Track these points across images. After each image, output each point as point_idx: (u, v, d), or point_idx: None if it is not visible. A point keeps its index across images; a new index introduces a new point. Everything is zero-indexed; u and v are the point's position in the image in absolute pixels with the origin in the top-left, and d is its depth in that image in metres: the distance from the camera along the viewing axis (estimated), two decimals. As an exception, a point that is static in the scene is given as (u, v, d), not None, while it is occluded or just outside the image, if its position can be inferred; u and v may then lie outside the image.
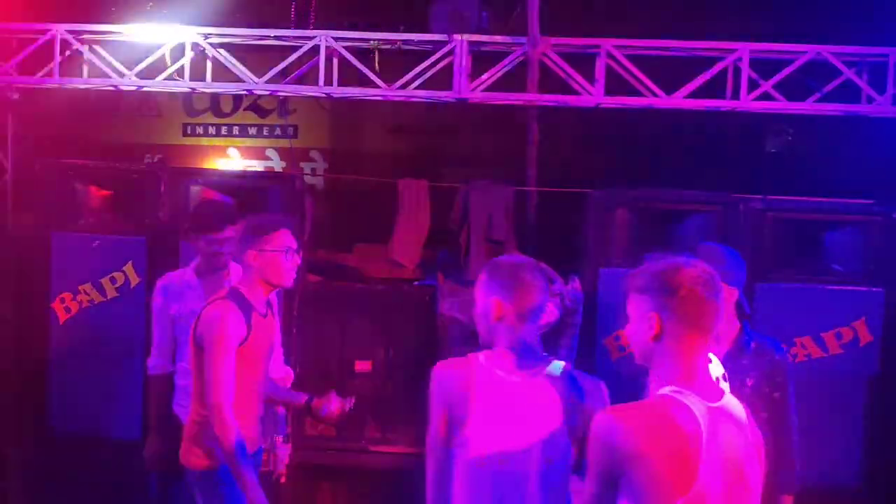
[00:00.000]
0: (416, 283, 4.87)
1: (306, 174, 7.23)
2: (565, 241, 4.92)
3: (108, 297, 4.66)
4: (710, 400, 1.93)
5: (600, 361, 4.53)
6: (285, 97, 5.01)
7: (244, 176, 4.76)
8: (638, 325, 2.02)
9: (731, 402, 2.00)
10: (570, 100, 4.60)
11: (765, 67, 4.57)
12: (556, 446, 2.39)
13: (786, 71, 4.47)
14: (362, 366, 4.82)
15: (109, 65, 4.69)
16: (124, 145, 6.57)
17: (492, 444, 2.37)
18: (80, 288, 4.67)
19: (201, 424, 3.19)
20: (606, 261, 4.53)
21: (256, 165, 7.87)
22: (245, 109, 7.90)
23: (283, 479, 4.14)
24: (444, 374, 2.46)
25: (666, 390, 1.93)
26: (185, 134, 7.89)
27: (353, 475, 4.68)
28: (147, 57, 4.66)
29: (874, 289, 4.40)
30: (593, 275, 4.56)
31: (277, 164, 7.76)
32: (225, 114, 7.93)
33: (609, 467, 1.87)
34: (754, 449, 1.99)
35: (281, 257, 3.21)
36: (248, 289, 3.26)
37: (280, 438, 4.06)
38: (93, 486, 4.65)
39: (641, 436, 1.83)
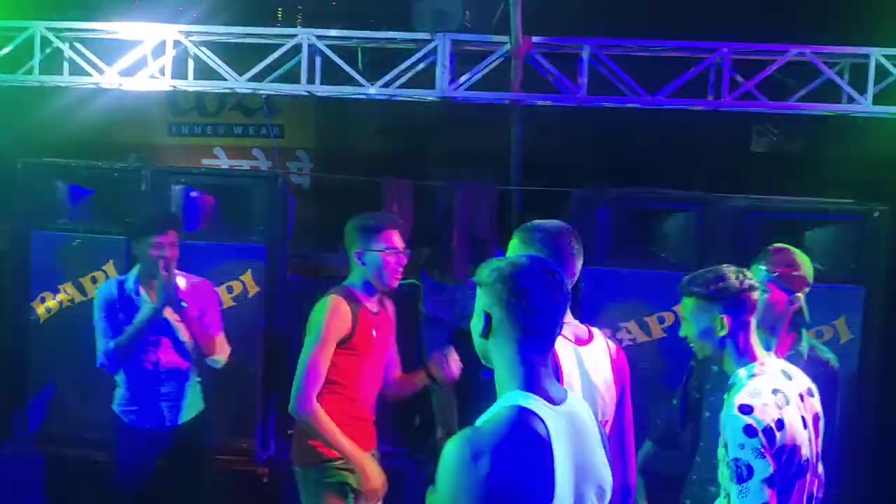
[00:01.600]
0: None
1: (292, 173, 7.22)
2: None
3: (89, 297, 4.62)
4: (554, 403, 1.87)
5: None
6: (270, 96, 4.96)
7: (226, 175, 4.74)
8: (476, 322, 1.94)
9: (575, 402, 1.94)
10: (553, 99, 4.60)
11: (747, 67, 4.59)
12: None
13: (767, 70, 4.48)
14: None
15: (90, 63, 4.65)
16: (108, 145, 6.53)
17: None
18: (60, 287, 4.65)
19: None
20: (588, 259, 4.49)
21: (242, 165, 7.86)
22: (230, 109, 7.90)
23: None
24: None
25: (511, 399, 1.85)
26: (170, 133, 7.88)
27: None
28: (128, 55, 4.63)
29: (855, 287, 4.41)
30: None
31: (263, 164, 7.76)
32: (210, 113, 7.92)
33: (479, 492, 1.72)
34: (601, 447, 1.96)
35: (387, 258, 3.28)
36: (357, 287, 3.32)
37: None
38: (71, 486, 4.62)
39: (499, 459, 1.72)
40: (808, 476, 2.62)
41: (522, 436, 1.77)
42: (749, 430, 2.46)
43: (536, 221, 2.57)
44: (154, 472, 4.00)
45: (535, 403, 1.83)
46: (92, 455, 4.59)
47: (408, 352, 4.73)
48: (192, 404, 4.01)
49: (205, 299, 4.02)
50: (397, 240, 3.33)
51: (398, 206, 4.83)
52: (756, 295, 2.65)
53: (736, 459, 2.48)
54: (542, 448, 1.77)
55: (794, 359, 3.09)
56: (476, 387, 4.86)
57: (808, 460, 2.61)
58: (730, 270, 2.66)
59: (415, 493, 4.71)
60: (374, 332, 3.33)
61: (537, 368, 1.88)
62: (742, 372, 2.61)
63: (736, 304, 2.61)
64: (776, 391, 2.54)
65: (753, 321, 2.65)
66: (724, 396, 2.66)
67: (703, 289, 2.64)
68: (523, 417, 1.80)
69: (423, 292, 4.77)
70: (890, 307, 4.40)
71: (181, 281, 3.93)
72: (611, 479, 1.96)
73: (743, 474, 2.47)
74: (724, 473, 2.62)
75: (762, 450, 2.45)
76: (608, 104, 4.60)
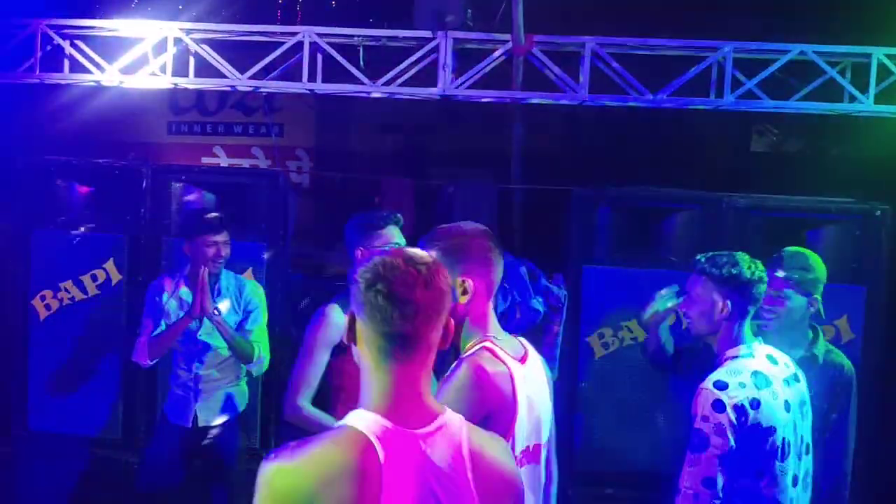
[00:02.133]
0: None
1: (292, 171, 7.21)
2: (549, 239, 4.92)
3: (90, 295, 4.62)
4: (410, 425, 1.61)
5: (583, 360, 4.53)
6: (270, 95, 4.95)
7: (227, 172, 4.73)
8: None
9: (446, 427, 1.66)
10: (554, 98, 4.59)
11: (749, 66, 4.58)
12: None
13: (769, 69, 4.47)
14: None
15: (91, 60, 4.64)
16: (108, 143, 6.52)
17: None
18: (60, 285, 4.64)
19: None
20: (589, 258, 4.53)
21: (242, 163, 7.85)
22: (230, 107, 7.88)
23: None
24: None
25: (348, 417, 1.63)
26: (170, 132, 7.86)
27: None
28: (130, 53, 4.61)
29: (856, 286, 4.41)
30: (577, 272, 4.56)
31: (263, 163, 7.74)
32: (210, 112, 7.91)
33: None
34: (468, 485, 1.65)
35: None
36: None
37: None
38: (71, 485, 4.61)
39: (310, 482, 1.52)
40: (790, 458, 2.68)
41: (343, 462, 1.54)
42: (717, 405, 2.57)
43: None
44: (183, 470, 3.99)
45: (373, 426, 1.59)
46: (92, 453, 4.61)
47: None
48: (229, 407, 4.01)
49: (250, 302, 4.02)
50: (398, 237, 3.30)
51: (398, 206, 4.81)
52: (762, 287, 2.75)
53: (697, 430, 2.59)
54: (367, 479, 1.53)
55: (809, 361, 3.09)
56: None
57: (790, 443, 2.68)
58: (744, 259, 2.76)
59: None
60: None
61: (399, 383, 1.63)
62: (728, 353, 2.72)
63: (742, 292, 2.70)
64: (756, 373, 2.66)
65: (752, 311, 2.75)
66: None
67: (717, 270, 2.72)
68: (346, 440, 1.57)
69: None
70: (891, 306, 4.40)
71: (230, 282, 3.97)
72: None
73: (698, 444, 2.57)
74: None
75: (724, 426, 2.55)
76: (610, 103, 4.58)
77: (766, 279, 2.76)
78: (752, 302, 2.73)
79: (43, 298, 4.65)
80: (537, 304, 4.63)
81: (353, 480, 1.53)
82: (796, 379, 2.79)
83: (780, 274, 3.11)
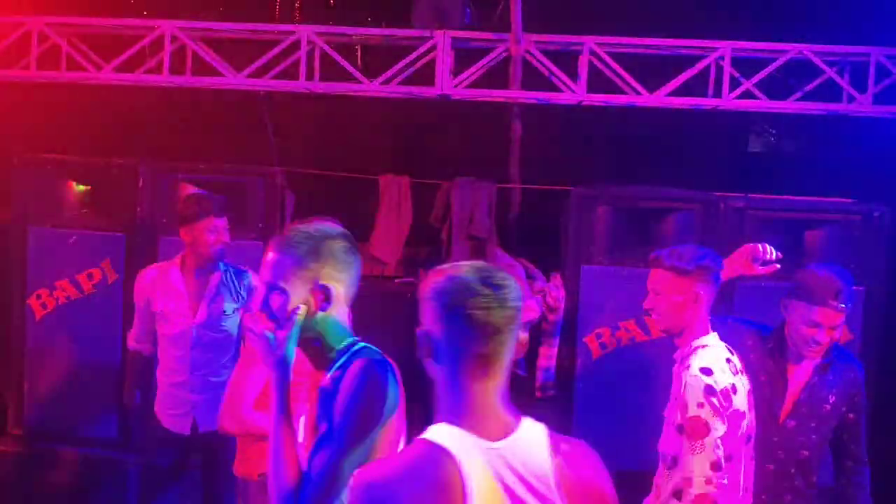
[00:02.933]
0: (397, 280, 4.84)
1: (288, 169, 7.16)
2: (547, 239, 4.91)
3: (86, 294, 4.61)
4: (490, 438, 1.65)
5: (581, 360, 4.53)
6: (268, 93, 4.93)
7: (224, 171, 4.70)
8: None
9: (524, 438, 1.69)
10: (552, 97, 4.58)
11: (747, 66, 4.57)
12: None
13: (768, 69, 4.47)
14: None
15: (88, 58, 4.62)
16: (106, 140, 6.49)
17: None
18: (56, 284, 4.62)
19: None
20: (588, 258, 4.52)
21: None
22: (226, 104, 7.82)
23: None
24: None
25: (430, 432, 1.67)
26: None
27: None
28: (126, 51, 4.59)
29: (855, 287, 4.40)
30: (575, 272, 4.55)
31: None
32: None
33: None
34: (552, 493, 1.67)
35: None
36: None
37: None
38: (68, 484, 4.60)
39: (402, 497, 1.57)
40: (748, 446, 2.78)
41: (428, 476, 1.59)
42: (709, 390, 2.62)
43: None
44: (178, 474, 3.96)
45: (456, 440, 1.63)
46: (88, 452, 4.59)
47: (408, 349, 4.74)
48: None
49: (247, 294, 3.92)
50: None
51: (396, 204, 4.80)
52: (722, 274, 2.84)
53: (695, 417, 2.62)
54: (450, 492, 1.58)
55: (824, 367, 3.07)
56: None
57: (749, 431, 2.77)
58: (703, 250, 2.84)
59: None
60: None
61: (476, 397, 1.67)
62: (698, 342, 2.77)
63: (708, 281, 2.78)
64: (729, 360, 2.76)
65: (713, 298, 2.82)
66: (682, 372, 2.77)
67: (683, 264, 2.78)
68: (430, 455, 1.61)
69: (421, 290, 4.75)
70: (890, 307, 4.40)
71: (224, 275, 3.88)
72: None
73: (698, 431, 2.61)
74: (664, 439, 2.81)
75: (720, 409, 2.62)
76: (608, 102, 4.57)
77: (724, 266, 2.86)
78: (715, 289, 2.81)
79: (39, 297, 4.63)
80: (535, 304, 4.63)
81: (440, 495, 1.58)
82: (744, 371, 2.85)
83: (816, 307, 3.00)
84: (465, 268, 1.69)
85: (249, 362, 3.06)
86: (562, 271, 4.74)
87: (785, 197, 4.56)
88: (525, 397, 4.71)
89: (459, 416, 1.66)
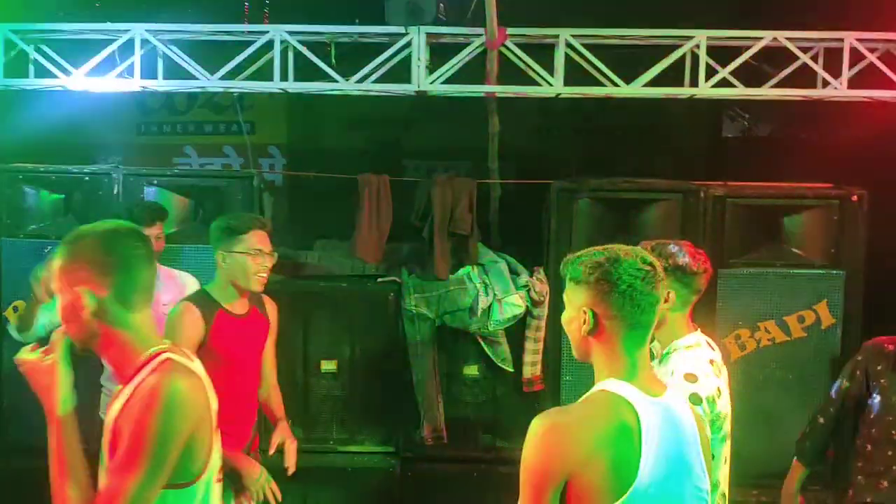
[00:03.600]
0: (379, 279, 4.81)
1: (265, 172, 7.10)
2: (529, 233, 4.90)
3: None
4: (651, 394, 1.90)
5: (567, 352, 4.52)
6: (241, 93, 4.87)
7: (200, 175, 4.66)
8: (575, 319, 1.96)
9: (673, 398, 1.96)
10: (529, 91, 4.55)
11: (722, 54, 4.57)
12: None
13: (743, 57, 4.47)
14: (327, 365, 4.75)
15: (57, 64, 4.54)
16: (76, 146, 6.39)
17: None
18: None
19: None
20: (570, 251, 4.50)
21: (214, 163, 7.73)
22: (200, 106, 7.74)
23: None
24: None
25: (605, 384, 1.90)
26: (139, 132, 7.72)
27: (322, 476, 4.61)
28: (95, 56, 4.51)
29: (835, 271, 4.45)
30: (557, 265, 4.53)
31: (235, 161, 7.63)
32: (179, 111, 7.77)
33: (556, 475, 1.76)
34: (697, 447, 1.95)
35: (249, 259, 3.18)
36: (218, 290, 3.23)
37: None
38: (48, 498, 4.52)
39: (589, 437, 1.78)
40: (725, 446, 2.74)
41: (608, 418, 1.82)
42: (693, 399, 2.55)
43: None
44: None
45: (629, 391, 1.86)
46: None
47: (392, 349, 4.72)
48: None
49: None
50: (262, 241, 3.25)
51: (376, 203, 4.76)
52: (705, 278, 2.73)
53: None
54: (629, 433, 1.80)
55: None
56: (460, 382, 4.84)
57: (727, 430, 2.74)
58: (684, 249, 2.73)
59: (403, 492, 4.69)
60: (236, 337, 3.23)
61: (638, 360, 1.92)
62: (680, 341, 2.71)
63: (685, 282, 2.69)
64: (712, 362, 2.70)
65: (693, 300, 2.74)
66: (654, 364, 2.71)
67: (661, 262, 2.67)
68: (612, 402, 1.85)
69: (404, 289, 4.72)
70: (869, 290, 4.44)
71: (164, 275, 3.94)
72: (708, 483, 1.96)
73: None
74: None
75: (704, 417, 2.51)
76: (585, 93, 4.56)
77: (709, 268, 2.76)
78: (694, 292, 2.72)
79: (16, 309, 4.54)
80: (519, 299, 4.63)
81: (624, 437, 1.80)
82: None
83: None
84: (621, 250, 1.94)
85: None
86: (545, 265, 4.76)
87: (764, 183, 4.59)
88: (513, 394, 4.73)
89: (628, 375, 1.90)
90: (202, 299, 3.21)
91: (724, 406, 2.68)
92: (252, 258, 3.18)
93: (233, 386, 3.19)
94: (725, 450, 2.74)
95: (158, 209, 4.06)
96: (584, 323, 1.91)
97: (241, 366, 3.28)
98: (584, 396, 1.93)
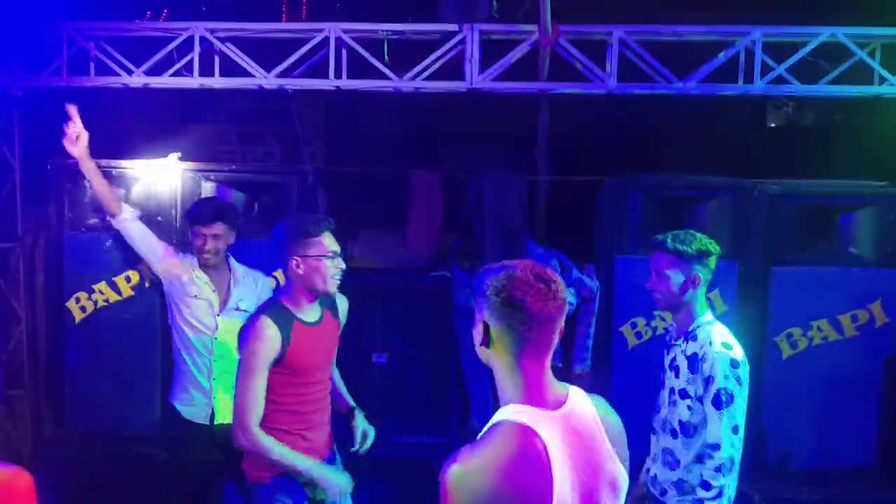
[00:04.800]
0: (430, 273, 4.87)
1: (318, 167, 7.15)
2: (578, 229, 4.91)
3: (124, 296, 4.65)
4: (551, 408, 1.88)
5: (616, 349, 4.55)
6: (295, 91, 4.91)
7: (257, 171, 4.74)
8: (475, 331, 1.96)
9: (575, 403, 1.92)
10: (582, 87, 4.55)
11: (778, 49, 4.53)
12: None
13: (799, 54, 4.43)
14: (379, 357, 4.83)
15: (117, 62, 4.62)
16: (136, 141, 6.49)
17: None
18: (94, 287, 4.66)
19: None
20: (621, 248, 4.54)
21: (256, 150, 7.81)
22: (243, 95, 7.79)
23: None
24: None
25: (504, 411, 1.87)
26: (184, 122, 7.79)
27: (373, 467, 4.69)
28: (154, 53, 4.59)
29: (890, 270, 4.42)
30: (608, 262, 4.57)
31: (276, 149, 7.69)
32: (222, 100, 7.84)
33: None
34: (605, 444, 1.92)
35: (322, 263, 3.13)
36: (291, 299, 3.19)
37: None
38: (112, 483, 4.66)
39: (496, 480, 1.74)
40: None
41: (515, 452, 1.79)
42: (733, 363, 2.98)
43: None
44: (208, 467, 4.03)
45: (529, 416, 1.84)
46: (129, 452, 4.65)
47: (442, 342, 4.78)
48: None
49: (260, 294, 4.08)
50: (334, 244, 3.18)
51: (427, 198, 4.81)
52: (715, 259, 3.15)
53: (723, 389, 2.95)
54: (537, 461, 1.78)
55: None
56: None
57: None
58: (701, 235, 3.16)
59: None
60: (311, 348, 3.20)
61: (534, 376, 1.89)
62: (703, 319, 3.13)
63: (706, 263, 3.12)
64: (734, 334, 3.12)
65: (709, 279, 3.16)
66: (679, 343, 3.17)
67: (686, 248, 3.10)
68: (514, 434, 1.81)
69: (454, 283, 4.77)
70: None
71: (238, 271, 4.07)
72: (626, 474, 1.95)
73: (726, 400, 2.95)
74: (689, 409, 3.06)
75: (742, 380, 2.98)
76: (638, 91, 4.54)
77: (719, 251, 3.16)
78: (711, 273, 3.14)
79: (78, 301, 4.68)
80: (570, 295, 4.65)
81: (528, 466, 1.77)
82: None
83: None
84: (519, 265, 1.90)
85: (247, 372, 3.06)
86: (595, 262, 4.77)
87: (819, 181, 4.55)
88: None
89: (524, 395, 1.88)
90: (279, 313, 3.13)
91: (747, 377, 3.02)
92: (330, 261, 3.13)
93: (309, 394, 3.24)
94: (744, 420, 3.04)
95: (219, 206, 4.08)
96: (479, 334, 1.92)
97: (316, 374, 3.26)
98: (487, 427, 1.88)
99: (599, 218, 4.62)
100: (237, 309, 3.99)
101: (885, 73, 4.46)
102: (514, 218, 4.70)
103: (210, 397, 3.99)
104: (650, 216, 4.52)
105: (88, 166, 4.15)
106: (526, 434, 1.81)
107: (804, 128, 6.81)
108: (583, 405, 1.94)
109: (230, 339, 3.90)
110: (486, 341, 1.91)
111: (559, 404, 1.90)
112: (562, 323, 1.90)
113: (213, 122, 7.80)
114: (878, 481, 4.44)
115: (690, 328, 3.13)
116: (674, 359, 3.20)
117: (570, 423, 1.88)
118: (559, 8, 4.41)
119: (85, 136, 4.10)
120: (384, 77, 4.61)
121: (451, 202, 4.84)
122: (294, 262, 3.12)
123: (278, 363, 3.09)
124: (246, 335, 3.10)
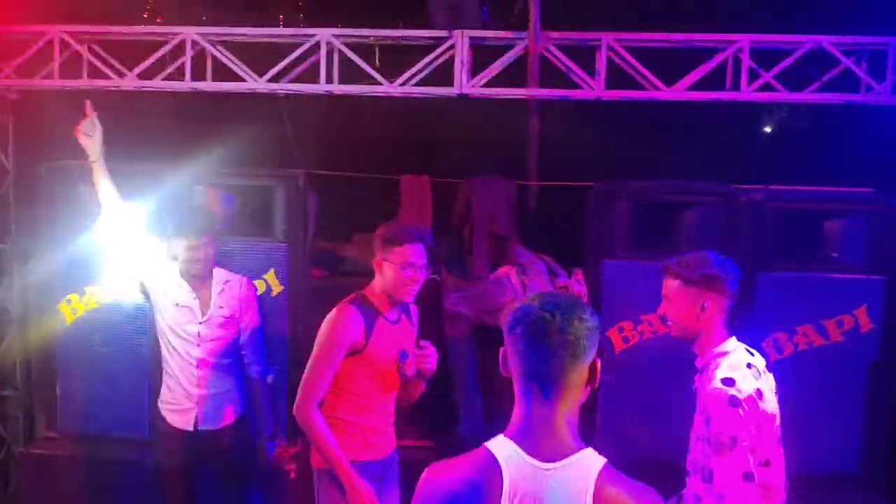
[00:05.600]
0: (419, 277, 4.89)
1: (309, 171, 7.19)
2: (567, 234, 4.94)
3: (115, 299, 4.67)
4: (539, 457, 1.73)
5: (605, 353, 4.58)
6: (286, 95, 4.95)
7: (247, 174, 4.75)
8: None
9: (574, 469, 1.72)
10: (571, 94, 4.59)
11: (765, 56, 4.58)
12: None
13: (786, 61, 4.48)
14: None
15: (110, 65, 4.66)
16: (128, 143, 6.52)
17: None
18: (85, 289, 4.69)
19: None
20: (609, 253, 4.57)
21: (252, 152, 7.83)
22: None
23: (291, 476, 4.18)
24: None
25: (495, 441, 1.79)
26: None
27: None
28: (147, 57, 4.63)
29: (874, 276, 4.45)
30: (596, 267, 4.60)
31: (271, 150, 7.69)
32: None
33: None
34: None
35: (400, 271, 3.27)
36: (376, 295, 3.36)
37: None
38: (103, 485, 4.68)
39: (445, 492, 1.74)
40: (778, 447, 2.79)
41: (462, 479, 1.74)
42: (733, 401, 2.63)
43: None
44: (190, 472, 4.05)
45: (507, 451, 1.74)
46: (120, 454, 4.67)
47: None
48: (230, 410, 4.05)
49: (244, 299, 4.08)
50: (417, 255, 3.29)
51: (417, 203, 4.85)
52: (736, 285, 2.83)
53: (721, 431, 2.63)
54: (477, 496, 1.72)
55: None
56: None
57: (779, 433, 2.79)
58: (714, 257, 2.83)
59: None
60: (391, 344, 3.35)
61: (531, 416, 1.76)
62: (715, 350, 2.80)
63: (719, 289, 2.80)
64: (750, 365, 2.76)
65: (728, 307, 2.83)
66: (696, 377, 2.86)
67: (688, 273, 2.81)
68: (479, 460, 1.76)
69: (443, 288, 4.80)
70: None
71: (219, 277, 4.04)
72: None
73: (726, 444, 2.62)
74: (697, 454, 2.79)
75: (746, 419, 2.63)
76: (626, 97, 4.58)
77: (738, 275, 2.85)
78: (729, 298, 2.82)
79: (69, 302, 4.70)
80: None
81: (477, 497, 1.71)
82: (769, 370, 2.89)
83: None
84: (534, 297, 1.80)
85: (321, 355, 3.23)
86: (584, 267, 4.80)
87: (805, 188, 4.59)
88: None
89: (519, 432, 1.77)
90: (365, 305, 3.31)
91: (770, 407, 2.73)
92: (403, 269, 3.26)
93: (381, 392, 3.36)
94: (781, 451, 2.82)
95: (207, 218, 4.07)
96: (501, 357, 1.84)
97: (392, 372, 3.38)
98: (472, 450, 1.82)
99: (588, 223, 4.65)
100: (222, 316, 3.99)
101: (871, 81, 4.51)
102: (503, 223, 4.73)
103: (195, 403, 3.99)
104: (638, 222, 4.56)
105: (93, 156, 4.01)
106: (491, 468, 1.73)
107: (793, 135, 6.85)
108: (584, 475, 1.71)
109: (215, 346, 3.97)
110: (505, 370, 1.83)
111: (555, 458, 1.73)
112: (577, 364, 1.73)
113: (210, 124, 7.82)
114: (863, 486, 4.47)
115: (706, 360, 2.85)
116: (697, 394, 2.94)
117: (552, 482, 1.70)
118: (549, 14, 4.46)
119: (97, 128, 4.00)
120: (375, 82, 4.65)
121: (442, 207, 4.86)
122: (378, 262, 3.32)
123: (358, 353, 3.24)
124: (331, 321, 3.25)
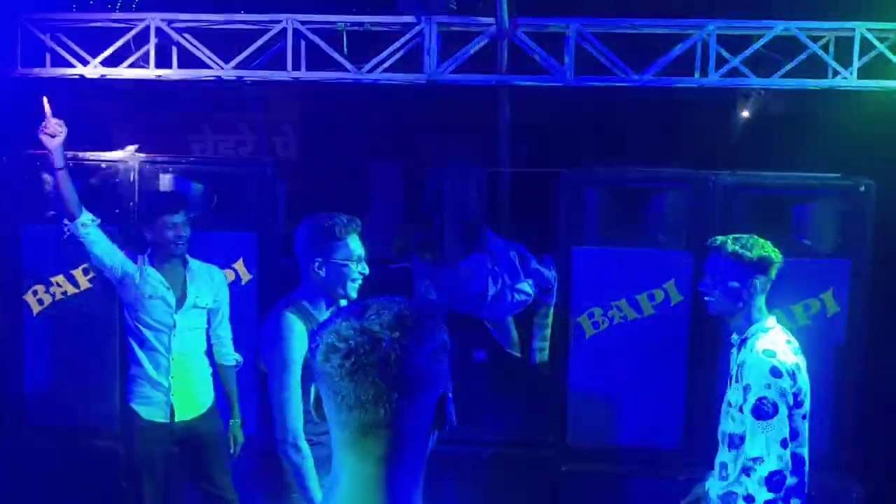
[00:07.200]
0: (391, 265, 4.90)
1: (277, 159, 7.16)
2: (538, 221, 4.95)
3: (82, 289, 4.63)
4: None
5: (574, 340, 4.59)
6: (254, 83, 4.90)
7: (215, 162, 4.72)
8: None
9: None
10: (540, 80, 4.58)
11: (733, 42, 4.58)
12: None
13: (754, 47, 4.49)
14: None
15: (73, 53, 4.60)
16: (96, 133, 6.46)
17: None
18: (52, 280, 4.64)
19: None
20: (579, 239, 4.57)
21: (228, 140, 7.80)
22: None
23: None
24: None
25: None
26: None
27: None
28: (110, 44, 4.57)
29: (841, 260, 4.48)
30: (566, 254, 4.60)
31: (249, 138, 7.68)
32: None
33: None
34: None
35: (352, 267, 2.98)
36: (311, 300, 3.03)
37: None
38: (72, 477, 4.66)
39: None
40: (804, 422, 2.92)
41: None
42: (774, 371, 2.78)
43: None
44: (167, 463, 4.04)
45: None
46: (90, 445, 4.65)
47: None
48: (204, 398, 4.05)
49: (219, 293, 4.09)
50: (359, 247, 3.01)
51: (386, 189, 4.83)
52: (777, 268, 2.97)
53: (762, 398, 2.76)
54: None
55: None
56: (469, 367, 4.95)
57: (807, 409, 2.92)
58: (763, 240, 2.98)
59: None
60: None
61: (351, 481, 1.30)
62: (756, 326, 2.93)
63: (767, 271, 2.93)
64: (789, 342, 2.92)
65: (768, 286, 2.96)
66: (733, 352, 3.00)
67: (747, 252, 2.91)
68: None
69: (415, 275, 4.80)
70: (875, 280, 4.48)
71: (191, 266, 4.01)
72: None
73: (769, 411, 2.75)
74: (733, 420, 2.90)
75: (785, 390, 2.78)
76: (595, 84, 4.58)
77: (781, 260, 2.98)
78: (770, 279, 2.96)
79: (35, 293, 4.66)
80: (528, 286, 4.70)
81: None
82: (802, 351, 3.01)
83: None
84: (355, 309, 1.32)
85: (284, 370, 2.91)
86: (553, 253, 4.82)
87: (772, 173, 4.61)
88: (521, 379, 4.83)
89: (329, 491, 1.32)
90: (301, 312, 2.98)
91: (804, 383, 2.88)
92: (354, 265, 2.97)
93: None
94: (805, 427, 2.92)
95: (181, 197, 4.06)
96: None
97: None
98: None
99: (557, 209, 4.65)
100: (195, 306, 3.97)
101: (837, 66, 4.53)
102: (473, 210, 4.72)
103: (169, 395, 3.96)
104: (607, 208, 4.56)
105: (60, 163, 3.86)
106: None
107: (763, 120, 6.88)
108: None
109: (189, 335, 3.96)
110: (315, 406, 1.41)
111: None
112: (409, 403, 1.28)
113: (182, 111, 7.76)
114: (833, 467, 4.52)
115: (745, 335, 2.95)
116: (731, 368, 3.06)
117: None
118: (518, 1, 4.44)
119: (64, 130, 3.83)
120: (343, 69, 4.62)
121: (412, 194, 4.85)
122: (316, 263, 2.96)
123: (307, 365, 2.91)
124: (272, 335, 2.93)
